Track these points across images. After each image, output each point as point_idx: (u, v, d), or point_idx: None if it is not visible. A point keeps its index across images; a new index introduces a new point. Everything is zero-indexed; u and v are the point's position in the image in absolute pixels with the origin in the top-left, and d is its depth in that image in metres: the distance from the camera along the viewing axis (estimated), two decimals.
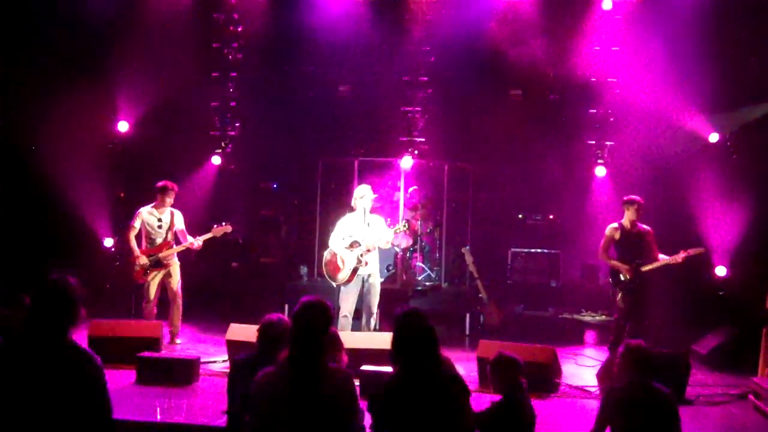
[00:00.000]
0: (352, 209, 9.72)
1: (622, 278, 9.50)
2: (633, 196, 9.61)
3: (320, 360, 4.19)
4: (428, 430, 4.23)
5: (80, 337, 8.32)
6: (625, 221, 9.62)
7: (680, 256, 9.32)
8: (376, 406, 4.36)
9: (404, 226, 9.88)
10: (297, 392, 4.06)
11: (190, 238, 9.94)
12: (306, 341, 4.17)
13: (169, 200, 9.99)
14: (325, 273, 9.65)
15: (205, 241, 10.01)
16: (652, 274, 9.48)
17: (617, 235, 9.58)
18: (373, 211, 9.66)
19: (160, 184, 10.00)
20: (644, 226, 9.62)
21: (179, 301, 10.05)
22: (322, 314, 4.26)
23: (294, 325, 4.27)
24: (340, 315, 9.42)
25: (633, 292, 9.44)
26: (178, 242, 10.02)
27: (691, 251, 9.38)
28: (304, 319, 4.22)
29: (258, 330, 5.41)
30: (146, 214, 9.97)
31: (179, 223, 10.06)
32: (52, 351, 3.91)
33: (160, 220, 9.95)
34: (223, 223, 10.06)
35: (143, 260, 9.82)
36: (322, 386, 4.10)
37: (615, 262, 9.54)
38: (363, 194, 9.48)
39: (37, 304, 3.97)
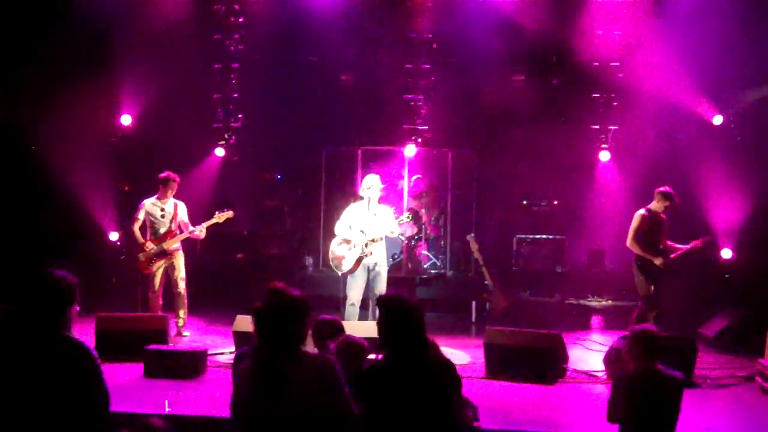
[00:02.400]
0: (359, 198, 9.70)
1: (655, 268, 9.45)
2: (671, 190, 9.52)
3: (290, 346, 4.05)
4: (413, 415, 4.19)
5: (87, 331, 8.35)
6: (655, 208, 9.53)
7: (700, 242, 9.41)
8: (361, 387, 4.32)
9: (408, 217, 9.86)
10: (263, 379, 3.98)
11: (192, 228, 9.97)
12: (272, 326, 4.05)
13: (171, 191, 10.01)
14: (330, 262, 9.66)
15: (208, 228, 10.02)
16: (674, 261, 9.50)
17: (646, 224, 9.50)
18: (379, 200, 9.63)
19: (162, 175, 10.04)
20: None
21: (184, 293, 10.07)
22: (291, 299, 4.14)
23: (260, 310, 4.12)
24: (347, 303, 9.44)
25: (660, 281, 9.45)
26: (181, 232, 10.05)
27: (706, 239, 9.48)
28: (269, 303, 4.10)
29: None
30: (149, 206, 10.01)
31: (182, 214, 10.09)
32: (44, 344, 3.92)
33: (162, 210, 9.98)
34: (225, 209, 10.07)
35: (149, 246, 9.85)
36: (292, 372, 3.98)
37: (646, 253, 9.44)
38: (371, 185, 9.42)
39: (26, 298, 3.98)
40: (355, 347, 5.21)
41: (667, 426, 5.11)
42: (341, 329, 5.59)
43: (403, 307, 4.38)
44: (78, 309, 4.11)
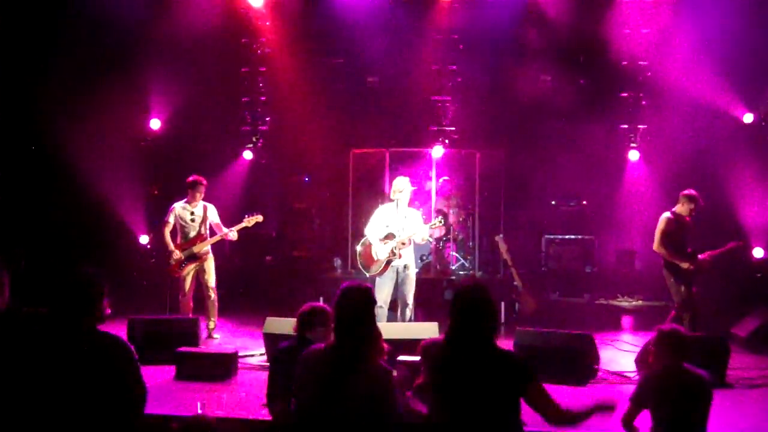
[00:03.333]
0: (387, 199, 9.69)
1: (683, 270, 9.35)
2: (695, 192, 9.39)
3: (363, 349, 4.17)
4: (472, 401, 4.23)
5: (119, 334, 8.38)
6: (680, 211, 9.40)
7: (734, 244, 9.35)
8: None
9: (440, 221, 9.83)
10: (334, 379, 4.08)
11: (224, 229, 10.03)
12: (348, 327, 4.16)
13: (200, 194, 10.07)
14: (359, 263, 9.65)
15: (238, 231, 10.08)
16: (709, 263, 9.39)
17: (672, 227, 9.38)
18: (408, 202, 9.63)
19: (189, 179, 10.09)
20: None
21: (214, 296, 10.12)
22: (364, 297, 4.25)
23: (335, 311, 4.26)
24: (376, 306, 9.41)
25: (691, 282, 9.35)
26: (213, 235, 10.11)
27: (740, 243, 9.49)
28: (344, 304, 4.22)
29: (296, 319, 5.50)
30: (179, 209, 10.07)
31: (213, 216, 10.15)
32: (79, 340, 3.98)
33: (192, 213, 10.04)
34: (255, 213, 10.13)
35: (177, 255, 9.92)
36: (359, 378, 4.10)
37: (674, 258, 9.32)
38: (403, 188, 9.35)
39: (59, 295, 4.04)
40: None
41: (698, 425, 5.08)
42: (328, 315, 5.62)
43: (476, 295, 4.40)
44: (108, 311, 4.17)
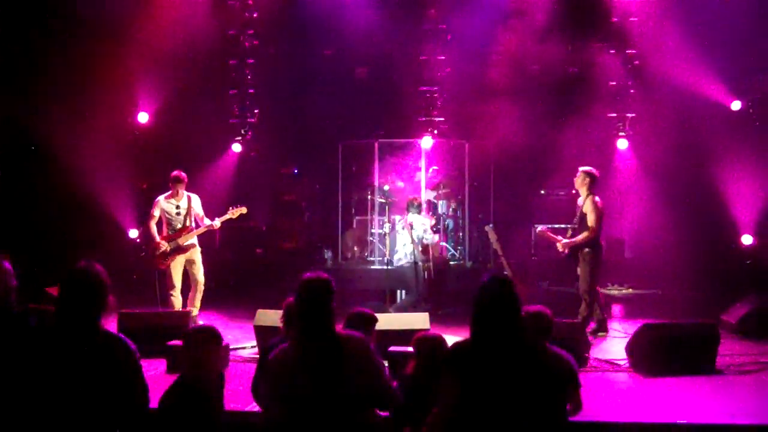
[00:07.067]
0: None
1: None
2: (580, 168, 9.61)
3: (329, 329, 4.22)
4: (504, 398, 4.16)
5: (110, 328, 8.38)
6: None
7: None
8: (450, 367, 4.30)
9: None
10: (309, 363, 4.10)
11: (207, 221, 10.05)
12: (312, 314, 4.20)
13: (182, 189, 10.09)
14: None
15: (223, 223, 10.10)
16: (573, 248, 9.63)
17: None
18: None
19: (172, 174, 10.11)
20: (589, 199, 9.63)
21: (201, 287, 10.16)
22: (324, 286, 4.28)
23: (297, 300, 4.29)
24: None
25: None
26: (198, 227, 10.12)
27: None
28: (306, 292, 4.25)
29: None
30: (164, 203, 10.08)
31: (197, 207, 10.17)
32: (85, 339, 3.96)
33: (178, 207, 10.06)
34: (239, 205, 10.16)
35: (163, 246, 9.93)
36: (335, 354, 4.13)
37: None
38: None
39: (65, 293, 4.01)
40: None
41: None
42: (373, 321, 5.62)
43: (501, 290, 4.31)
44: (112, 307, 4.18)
